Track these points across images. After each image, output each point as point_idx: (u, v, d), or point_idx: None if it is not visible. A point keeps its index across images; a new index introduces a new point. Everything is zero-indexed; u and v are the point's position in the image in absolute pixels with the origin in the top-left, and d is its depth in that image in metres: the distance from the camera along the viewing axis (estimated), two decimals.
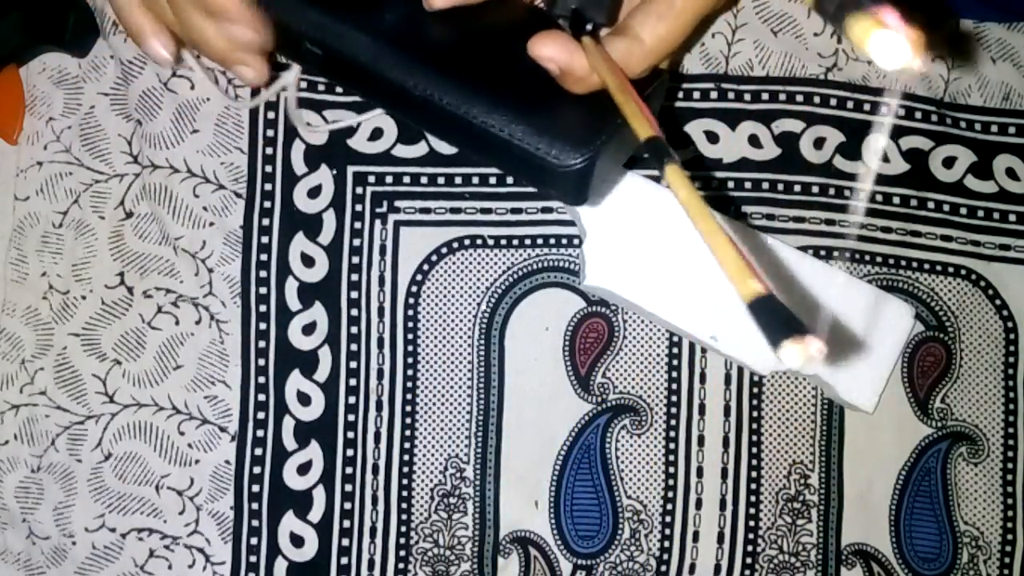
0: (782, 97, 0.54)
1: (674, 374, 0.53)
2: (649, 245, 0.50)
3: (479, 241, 0.52)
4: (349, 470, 0.51)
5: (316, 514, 0.51)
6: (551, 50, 0.38)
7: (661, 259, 0.50)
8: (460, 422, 0.52)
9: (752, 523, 0.53)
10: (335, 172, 0.52)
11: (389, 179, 0.52)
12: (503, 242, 0.53)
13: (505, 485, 0.52)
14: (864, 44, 0.26)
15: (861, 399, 0.50)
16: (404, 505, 0.52)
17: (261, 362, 0.51)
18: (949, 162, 0.54)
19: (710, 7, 0.39)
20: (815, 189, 0.54)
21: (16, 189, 0.52)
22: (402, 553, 0.52)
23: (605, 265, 0.50)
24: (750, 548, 0.53)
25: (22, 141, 0.52)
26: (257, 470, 0.51)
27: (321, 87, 0.52)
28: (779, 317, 0.24)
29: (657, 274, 0.50)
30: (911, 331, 0.51)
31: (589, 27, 0.41)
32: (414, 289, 0.52)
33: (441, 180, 0.53)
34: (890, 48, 0.26)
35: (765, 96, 0.54)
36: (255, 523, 0.51)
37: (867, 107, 0.54)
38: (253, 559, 0.51)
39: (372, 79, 0.40)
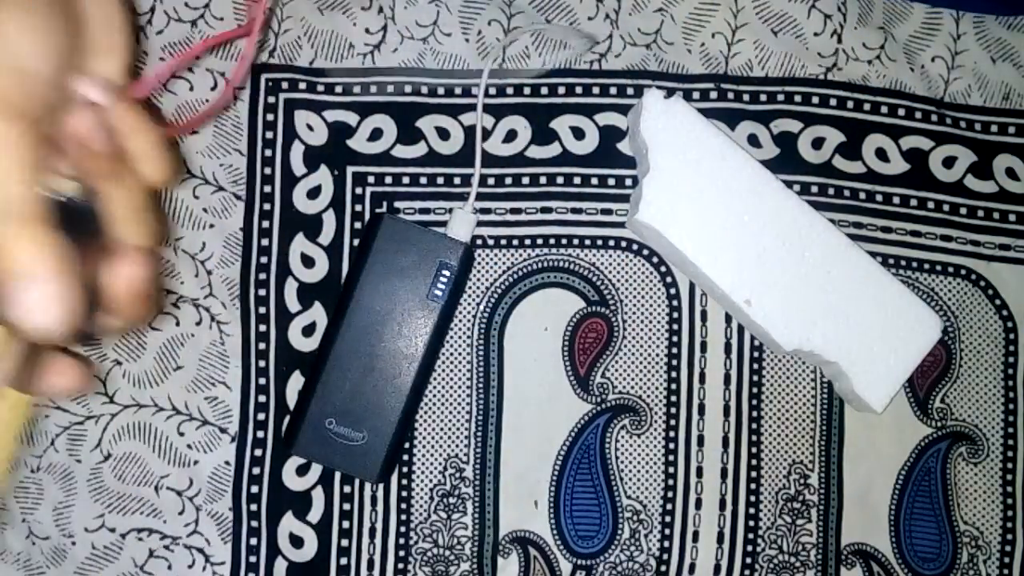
0: (781, 97, 0.54)
1: (673, 374, 0.53)
2: (708, 200, 0.50)
3: (479, 241, 0.52)
4: None
5: (315, 515, 0.51)
6: None
7: (715, 216, 0.50)
8: (460, 422, 0.52)
9: (752, 523, 0.53)
10: (335, 173, 0.52)
11: (389, 179, 0.52)
12: (503, 242, 0.53)
13: (505, 485, 0.52)
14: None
15: (873, 397, 0.50)
16: (403, 505, 0.52)
17: (261, 363, 0.51)
18: (949, 162, 0.54)
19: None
20: (815, 189, 0.53)
21: None
22: (401, 553, 0.52)
23: (660, 205, 0.49)
24: (750, 548, 0.53)
25: None
26: (256, 471, 0.51)
27: (320, 87, 0.52)
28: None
29: (708, 229, 0.49)
30: (935, 343, 0.50)
31: None
32: None
33: (441, 180, 0.53)
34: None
35: (764, 96, 0.54)
36: (254, 524, 0.51)
37: (867, 107, 0.54)
38: (253, 559, 0.51)
39: None
